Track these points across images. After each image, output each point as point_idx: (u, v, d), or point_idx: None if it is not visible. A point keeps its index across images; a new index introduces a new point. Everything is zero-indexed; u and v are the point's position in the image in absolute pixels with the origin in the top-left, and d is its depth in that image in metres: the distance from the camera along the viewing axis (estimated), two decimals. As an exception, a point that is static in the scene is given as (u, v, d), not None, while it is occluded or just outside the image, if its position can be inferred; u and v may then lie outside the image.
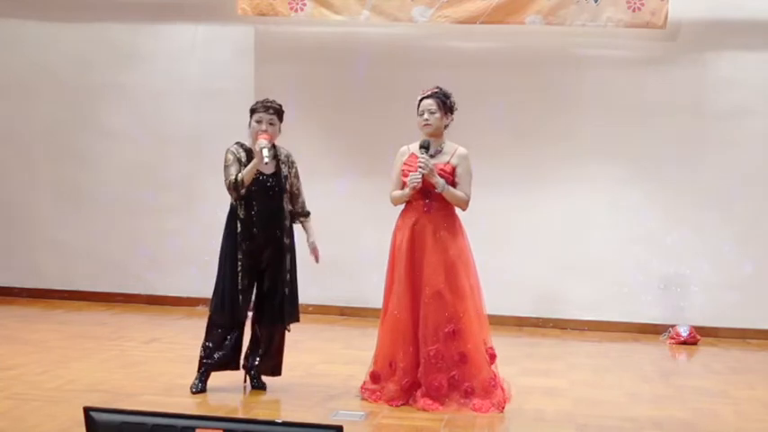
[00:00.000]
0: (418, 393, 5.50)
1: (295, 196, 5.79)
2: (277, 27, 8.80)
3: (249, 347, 5.86)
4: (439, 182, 5.51)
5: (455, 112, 5.69)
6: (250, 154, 5.63)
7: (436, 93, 5.63)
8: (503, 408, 5.44)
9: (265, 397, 5.72)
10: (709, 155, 8.33)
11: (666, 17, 7.98)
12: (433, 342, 5.46)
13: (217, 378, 6.03)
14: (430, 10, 8.22)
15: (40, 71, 9.19)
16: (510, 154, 8.50)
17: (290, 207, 5.75)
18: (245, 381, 5.86)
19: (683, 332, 8.09)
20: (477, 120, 8.27)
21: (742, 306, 8.31)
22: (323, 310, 8.61)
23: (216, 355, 5.73)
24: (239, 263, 5.62)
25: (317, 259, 5.85)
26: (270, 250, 5.68)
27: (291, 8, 8.38)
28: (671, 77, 8.35)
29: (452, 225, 5.59)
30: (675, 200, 8.38)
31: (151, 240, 9.06)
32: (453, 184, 5.57)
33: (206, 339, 5.75)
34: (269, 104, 5.68)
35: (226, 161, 5.64)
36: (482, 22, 8.17)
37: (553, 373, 6.70)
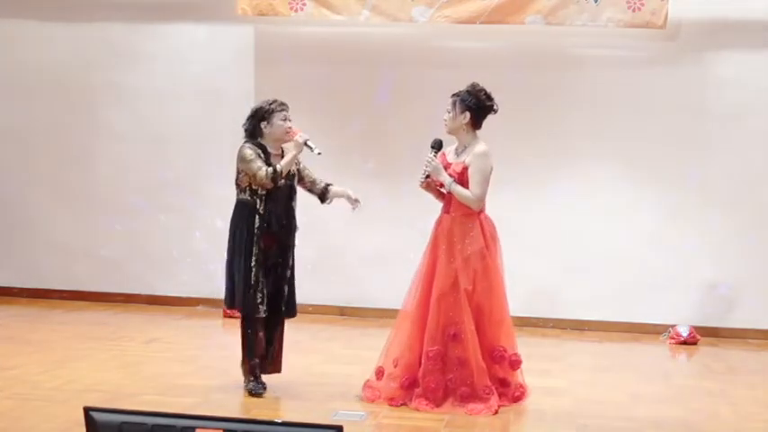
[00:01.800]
0: (415, 393, 5.51)
1: (313, 182, 5.93)
2: (277, 27, 8.79)
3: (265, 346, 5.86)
4: (446, 180, 5.53)
5: (487, 110, 5.63)
6: (266, 151, 5.70)
7: (459, 92, 5.62)
8: (496, 411, 5.43)
9: (265, 397, 5.72)
10: (710, 155, 8.32)
11: (666, 17, 7.98)
12: (435, 343, 5.47)
13: (216, 378, 6.05)
14: (430, 10, 8.22)
15: (40, 71, 9.18)
16: (509, 154, 8.46)
17: (299, 197, 5.89)
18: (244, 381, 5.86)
19: (683, 332, 8.08)
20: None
21: (742, 306, 8.30)
22: (323, 310, 8.60)
23: (258, 355, 5.76)
24: (253, 258, 5.62)
25: (357, 202, 5.89)
26: (280, 248, 5.72)
27: (291, 8, 8.38)
28: (671, 77, 8.34)
29: (467, 227, 5.55)
30: (675, 200, 8.37)
31: (151, 240, 9.05)
32: (465, 183, 5.56)
33: (247, 338, 5.74)
34: (285, 103, 5.80)
35: (248, 156, 5.64)
36: (482, 22, 8.17)
37: (553, 373, 6.70)
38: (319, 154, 5.67)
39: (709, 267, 8.32)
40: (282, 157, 5.74)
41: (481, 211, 5.61)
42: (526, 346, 7.37)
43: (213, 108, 8.90)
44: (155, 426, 2.28)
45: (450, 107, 5.61)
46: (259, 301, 5.64)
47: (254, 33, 8.87)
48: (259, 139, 5.74)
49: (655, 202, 8.40)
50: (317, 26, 8.69)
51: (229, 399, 5.66)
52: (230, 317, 8.44)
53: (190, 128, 8.96)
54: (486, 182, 5.55)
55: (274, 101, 5.78)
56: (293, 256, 5.82)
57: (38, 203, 9.23)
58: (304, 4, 8.34)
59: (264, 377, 5.82)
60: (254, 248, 5.62)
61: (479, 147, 5.60)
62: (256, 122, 5.76)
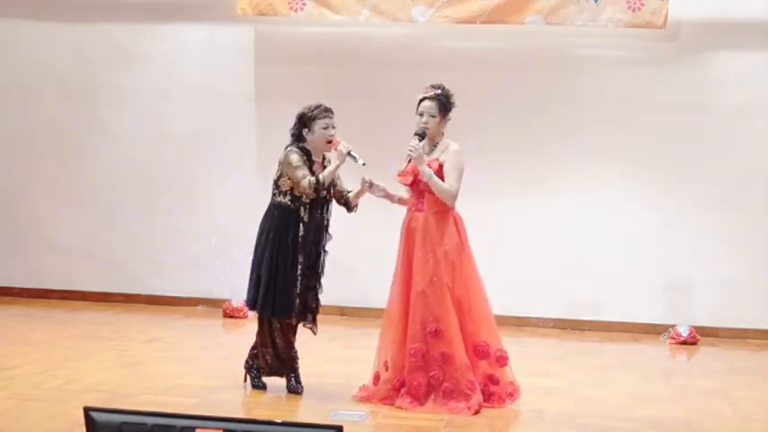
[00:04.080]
0: (401, 391, 5.52)
1: (341, 193, 5.84)
2: (277, 27, 8.79)
3: (254, 347, 5.85)
4: (425, 171, 5.50)
5: (452, 111, 5.69)
6: (310, 158, 5.66)
7: (438, 95, 5.61)
8: (477, 411, 5.41)
9: (265, 397, 5.72)
10: (710, 155, 8.32)
11: (666, 17, 7.98)
12: (416, 341, 5.48)
13: (216, 378, 6.04)
14: (430, 10, 8.22)
15: (41, 71, 9.18)
16: (509, 154, 8.50)
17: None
18: (245, 380, 5.86)
19: (683, 332, 8.08)
20: (477, 120, 8.27)
21: (742, 306, 8.30)
22: (323, 310, 8.43)
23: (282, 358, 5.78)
24: (299, 266, 5.64)
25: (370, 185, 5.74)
26: (315, 257, 5.73)
27: (291, 8, 8.38)
28: (671, 77, 8.35)
29: (443, 223, 5.56)
30: (675, 200, 8.37)
31: (151, 240, 9.05)
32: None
33: (274, 343, 5.77)
34: (329, 108, 5.73)
35: (294, 161, 5.59)
36: (482, 22, 8.17)
37: (553, 373, 6.70)
38: (364, 164, 5.59)
39: (710, 267, 8.32)
40: (323, 165, 5.70)
41: (453, 207, 5.62)
42: (526, 346, 7.41)
43: (213, 108, 8.90)
44: (155, 426, 2.28)
45: (434, 111, 5.58)
46: (298, 309, 5.69)
47: (253, 33, 8.87)
48: (305, 144, 5.70)
49: (655, 202, 8.40)
50: (316, 26, 8.69)
51: (229, 399, 5.65)
52: (231, 317, 8.47)
53: (190, 128, 8.96)
54: (461, 178, 5.57)
55: (317, 106, 5.71)
56: (324, 264, 5.80)
57: (38, 203, 9.23)
58: (304, 4, 8.34)
59: (273, 377, 5.84)
60: (300, 257, 5.63)
61: (454, 145, 5.63)
62: (300, 128, 5.69)
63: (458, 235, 5.60)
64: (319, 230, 5.71)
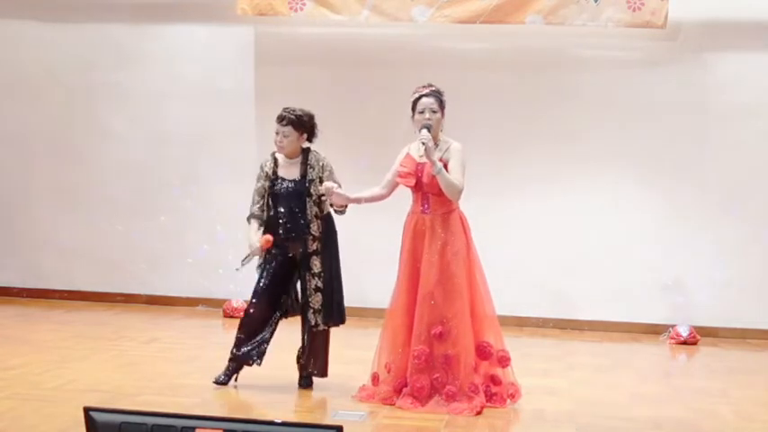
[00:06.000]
0: (403, 392, 5.51)
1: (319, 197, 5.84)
2: (277, 27, 8.80)
3: (301, 347, 5.93)
4: (437, 163, 5.46)
5: (447, 111, 5.70)
6: (276, 163, 5.86)
7: (435, 91, 5.63)
8: (479, 412, 5.41)
9: (265, 397, 5.72)
10: (710, 155, 8.32)
11: (666, 17, 7.98)
12: (420, 343, 5.47)
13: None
14: (430, 10, 8.21)
15: (41, 71, 9.18)
16: (509, 154, 8.50)
17: (316, 209, 5.78)
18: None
19: (683, 332, 8.09)
20: (476, 119, 8.27)
21: (742, 306, 8.30)
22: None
23: (243, 348, 5.81)
24: (263, 263, 5.81)
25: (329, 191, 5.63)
26: (298, 253, 5.76)
27: (291, 8, 8.38)
28: (671, 77, 8.35)
29: (451, 224, 5.55)
30: (676, 200, 8.38)
31: (151, 240, 9.05)
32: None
33: (237, 331, 5.89)
34: (283, 114, 5.75)
35: (258, 176, 5.91)
36: (482, 22, 8.17)
37: (553, 373, 6.70)
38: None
39: (710, 267, 8.32)
40: (299, 165, 5.80)
41: (457, 204, 5.62)
42: (526, 347, 7.41)
43: (213, 108, 8.90)
44: (155, 426, 2.28)
45: (436, 107, 5.58)
46: (255, 301, 5.83)
47: (254, 33, 8.87)
48: None
49: (655, 202, 8.40)
50: (316, 26, 8.69)
51: (229, 399, 5.66)
52: (231, 317, 8.47)
53: (190, 128, 8.97)
54: (465, 175, 5.57)
55: (282, 109, 5.79)
56: (322, 263, 5.76)
57: (38, 203, 9.23)
58: (304, 4, 8.34)
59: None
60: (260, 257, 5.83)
61: (455, 143, 5.63)
62: None
63: (464, 234, 5.60)
64: (286, 228, 5.73)
